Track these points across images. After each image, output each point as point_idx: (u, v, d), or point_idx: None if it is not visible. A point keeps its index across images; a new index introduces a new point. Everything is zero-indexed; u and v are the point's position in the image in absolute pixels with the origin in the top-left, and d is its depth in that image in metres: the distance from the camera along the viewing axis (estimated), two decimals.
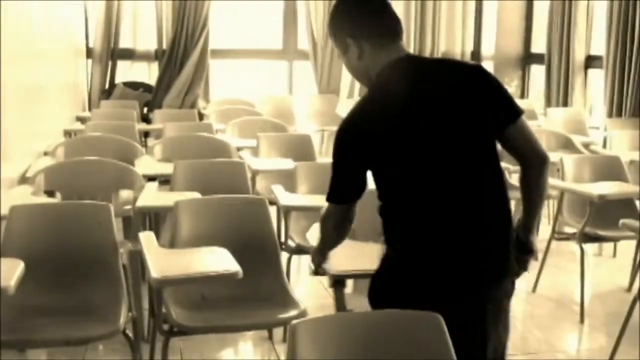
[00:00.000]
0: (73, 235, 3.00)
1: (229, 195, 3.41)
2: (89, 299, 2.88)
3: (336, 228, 2.26)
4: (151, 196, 3.63)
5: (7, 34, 4.07)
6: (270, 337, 3.78)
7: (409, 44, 8.88)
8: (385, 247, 2.16)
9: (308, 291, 4.42)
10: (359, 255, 2.86)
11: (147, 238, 2.88)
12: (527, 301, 4.45)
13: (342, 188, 2.13)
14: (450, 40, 9.00)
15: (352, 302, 2.90)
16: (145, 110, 8.02)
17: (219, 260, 2.64)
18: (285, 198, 3.73)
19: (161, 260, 2.66)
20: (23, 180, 4.10)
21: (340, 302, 2.83)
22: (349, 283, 3.01)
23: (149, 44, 8.43)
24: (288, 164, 4.47)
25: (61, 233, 3.02)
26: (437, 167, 2.01)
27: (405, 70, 2.02)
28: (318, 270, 2.50)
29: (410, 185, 2.03)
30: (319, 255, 2.46)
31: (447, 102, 2.00)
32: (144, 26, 8.45)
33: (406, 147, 2.00)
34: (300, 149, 5.12)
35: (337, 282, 2.76)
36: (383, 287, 2.16)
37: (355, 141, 2.03)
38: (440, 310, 1.86)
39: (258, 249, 3.11)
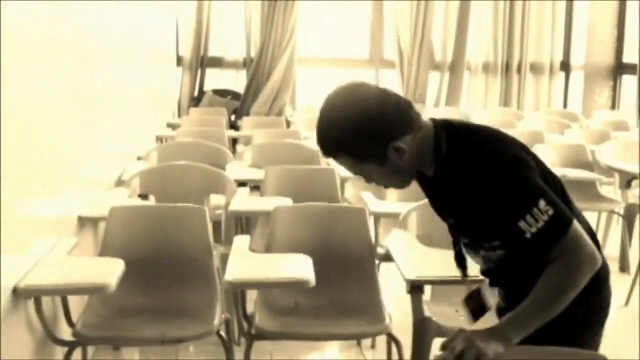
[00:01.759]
0: (170, 237, 3.09)
1: (328, 203, 3.46)
2: (184, 299, 2.96)
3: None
4: (244, 201, 3.70)
5: (107, 41, 4.22)
6: (359, 344, 3.80)
7: (497, 55, 8.80)
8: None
9: (394, 297, 4.43)
10: (437, 261, 2.88)
11: (241, 242, 2.94)
12: (618, 315, 4.34)
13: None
14: (539, 49, 8.86)
15: (431, 309, 2.91)
16: (232, 117, 8.17)
17: (294, 268, 2.68)
18: (375, 205, 3.75)
19: (242, 264, 2.73)
20: (119, 183, 4.24)
21: (417, 308, 2.84)
22: (427, 290, 3.01)
23: (237, 52, 8.60)
24: None
25: (158, 234, 3.11)
26: None
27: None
28: None
29: None
30: None
31: None
32: (233, 35, 8.62)
33: None
34: None
35: (415, 288, 2.77)
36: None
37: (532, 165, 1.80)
38: None
39: (355, 259, 3.13)
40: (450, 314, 3.01)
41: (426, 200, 3.34)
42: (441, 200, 1.92)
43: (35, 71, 2.58)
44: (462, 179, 1.76)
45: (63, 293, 2.55)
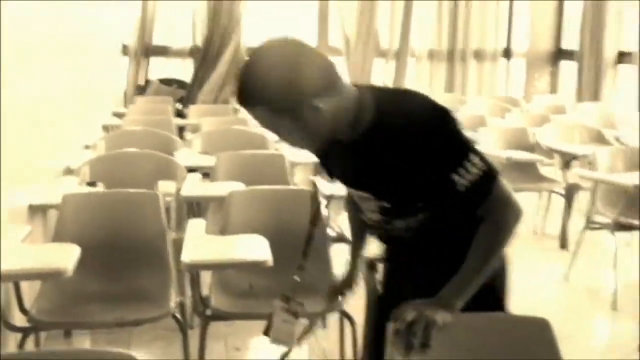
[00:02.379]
0: (123, 223, 3.12)
1: (282, 186, 3.50)
2: (139, 284, 2.99)
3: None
4: (196, 186, 3.74)
5: (60, 33, 4.20)
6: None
7: (440, 43, 8.97)
8: None
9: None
10: None
11: (196, 225, 2.99)
12: (559, 290, 4.53)
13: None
14: (482, 37, 9.05)
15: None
16: (178, 105, 8.15)
17: (251, 249, 2.73)
18: (326, 188, 3.82)
19: (199, 246, 2.77)
20: (68, 172, 4.23)
21: (372, 286, 2.92)
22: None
23: (183, 41, 8.57)
24: None
25: (112, 220, 3.13)
26: None
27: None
28: None
29: None
30: None
31: None
32: (179, 24, 8.60)
33: None
34: None
35: (370, 267, 2.85)
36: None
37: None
38: None
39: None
40: None
41: None
42: (357, 169, 1.87)
43: None
44: (392, 138, 1.75)
45: (21, 278, 2.57)
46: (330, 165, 1.98)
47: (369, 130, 1.77)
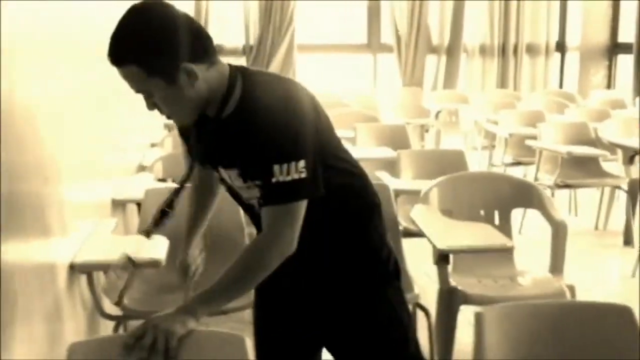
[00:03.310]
0: None
1: None
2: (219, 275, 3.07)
3: None
4: None
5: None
6: None
7: (493, 37, 8.94)
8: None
9: None
10: (461, 233, 3.02)
11: None
12: (626, 287, 4.52)
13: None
14: (535, 31, 9.01)
15: (454, 279, 3.04)
16: None
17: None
18: (393, 182, 3.88)
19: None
20: (140, 168, 4.35)
21: (444, 277, 2.97)
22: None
23: (236, 40, 8.69)
24: (388, 152, 4.62)
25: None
26: None
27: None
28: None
29: None
30: None
31: None
32: (232, 23, 8.72)
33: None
34: (396, 138, 5.25)
35: (441, 259, 2.89)
36: None
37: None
38: None
39: None
40: (473, 284, 3.16)
41: (447, 176, 3.49)
42: (218, 143, 1.84)
43: (64, 70, 2.68)
44: (251, 116, 1.74)
45: (117, 269, 2.66)
46: (192, 142, 1.94)
47: (233, 111, 1.77)
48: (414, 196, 3.73)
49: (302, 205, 1.77)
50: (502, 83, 9.08)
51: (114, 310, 2.79)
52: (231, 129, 1.78)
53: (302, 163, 1.72)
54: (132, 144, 4.61)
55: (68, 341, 1.74)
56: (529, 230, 5.00)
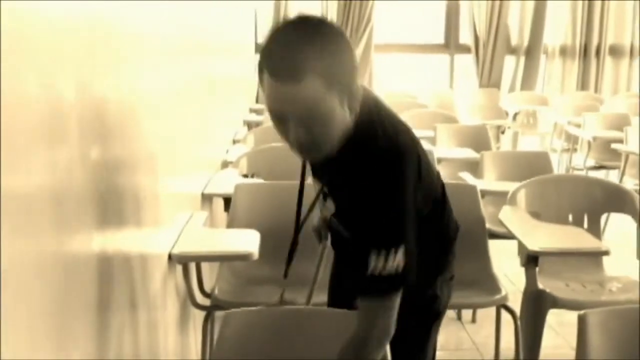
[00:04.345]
0: (290, 212, 3.24)
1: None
2: (303, 267, 3.11)
3: None
4: None
5: (204, 37, 4.41)
6: (459, 318, 3.92)
7: (575, 38, 8.78)
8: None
9: None
10: (550, 235, 2.98)
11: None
12: None
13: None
14: (618, 32, 8.81)
15: (541, 282, 3.01)
16: None
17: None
18: (480, 184, 3.86)
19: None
20: (225, 164, 4.43)
21: (532, 280, 2.94)
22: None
23: None
24: (471, 153, 4.60)
25: (278, 209, 3.26)
26: None
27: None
28: None
29: None
30: None
31: None
32: None
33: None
34: (477, 139, 5.22)
35: (530, 261, 2.87)
36: None
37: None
38: None
39: (467, 233, 3.24)
40: (561, 288, 3.12)
41: (537, 178, 3.46)
42: (328, 169, 1.80)
43: (162, 65, 2.76)
44: (351, 172, 1.66)
45: (214, 260, 2.75)
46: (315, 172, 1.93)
47: (347, 149, 1.66)
48: (497, 198, 3.71)
49: (398, 296, 1.68)
50: (583, 85, 8.91)
51: (204, 301, 2.87)
52: (339, 165, 1.69)
53: (401, 250, 1.62)
54: (218, 139, 4.70)
55: (163, 330, 1.81)
56: (609, 235, 4.91)
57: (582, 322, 1.77)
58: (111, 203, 1.86)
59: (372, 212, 1.63)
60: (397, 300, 1.68)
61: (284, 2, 8.61)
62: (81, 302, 1.52)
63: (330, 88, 1.53)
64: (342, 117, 1.60)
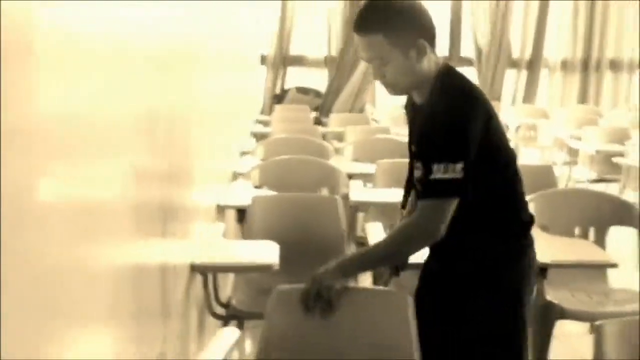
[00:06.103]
0: (305, 224, 3.34)
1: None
2: None
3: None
4: (363, 192, 3.94)
5: (210, 49, 4.49)
6: None
7: (575, 51, 8.89)
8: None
9: None
10: (559, 248, 3.06)
11: (375, 228, 3.17)
12: None
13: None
14: (618, 46, 8.92)
15: (548, 293, 3.06)
16: (314, 114, 8.43)
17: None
18: None
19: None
20: (235, 176, 4.51)
21: (541, 292, 2.99)
22: None
23: (318, 51, 8.86)
24: None
25: (295, 221, 3.35)
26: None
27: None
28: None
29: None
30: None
31: None
32: (314, 34, 8.90)
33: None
34: None
35: (540, 273, 2.93)
36: None
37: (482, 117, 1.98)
38: None
39: None
40: (568, 299, 3.20)
41: (546, 191, 3.54)
42: (413, 124, 2.10)
43: (191, 79, 2.84)
44: (433, 109, 1.96)
45: (236, 271, 2.83)
46: (408, 117, 2.19)
47: (427, 100, 1.99)
48: None
49: (452, 203, 1.93)
50: (583, 98, 9.02)
51: (221, 311, 2.95)
52: (420, 115, 2.01)
53: (460, 165, 1.88)
54: (228, 151, 4.78)
55: (181, 339, 1.88)
56: (610, 247, 4.98)
57: (598, 332, 1.84)
58: (143, 215, 1.94)
59: (439, 128, 1.92)
60: (452, 207, 1.93)
61: (289, 13, 8.70)
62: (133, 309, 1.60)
63: (394, 43, 1.91)
64: (408, 66, 1.94)
